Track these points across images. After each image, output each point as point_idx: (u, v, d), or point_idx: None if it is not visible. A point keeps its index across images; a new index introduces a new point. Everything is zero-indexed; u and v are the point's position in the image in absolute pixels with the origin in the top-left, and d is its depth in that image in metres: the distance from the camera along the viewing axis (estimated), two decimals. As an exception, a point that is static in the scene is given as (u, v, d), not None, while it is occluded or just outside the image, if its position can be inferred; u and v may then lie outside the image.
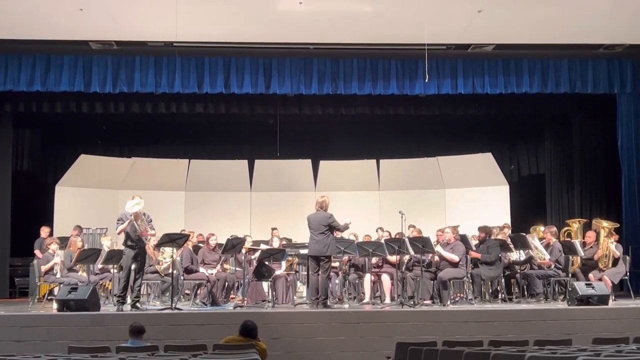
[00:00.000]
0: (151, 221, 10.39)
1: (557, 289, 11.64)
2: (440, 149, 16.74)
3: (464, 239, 11.38)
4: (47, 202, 15.00)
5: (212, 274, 11.27)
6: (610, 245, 11.41)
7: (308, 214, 10.56)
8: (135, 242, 10.09)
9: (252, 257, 11.56)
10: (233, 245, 11.03)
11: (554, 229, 11.94)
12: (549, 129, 16.18)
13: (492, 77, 13.36)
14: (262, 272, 10.98)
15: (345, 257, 11.82)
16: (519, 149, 17.41)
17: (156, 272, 11.68)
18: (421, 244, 10.65)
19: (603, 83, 13.42)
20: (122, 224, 10.04)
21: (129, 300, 10.29)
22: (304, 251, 11.03)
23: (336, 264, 12.05)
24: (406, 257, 11.31)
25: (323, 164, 16.18)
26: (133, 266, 10.15)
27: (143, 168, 15.94)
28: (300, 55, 13.17)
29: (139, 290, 10.45)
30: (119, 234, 10.13)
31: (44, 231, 13.22)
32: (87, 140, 16.49)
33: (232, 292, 11.65)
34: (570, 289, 10.33)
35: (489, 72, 13.38)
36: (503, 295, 11.39)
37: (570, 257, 11.49)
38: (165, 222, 13.69)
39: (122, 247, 10.45)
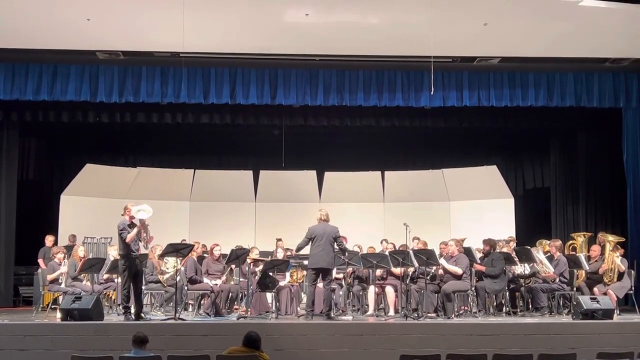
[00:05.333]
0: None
1: (561, 303, 11.60)
2: (445, 162, 16.75)
3: (468, 251, 11.35)
4: (52, 211, 15.04)
5: (216, 284, 11.27)
6: (616, 259, 11.37)
7: (311, 226, 10.54)
8: (134, 251, 10.05)
9: (257, 269, 11.55)
10: (237, 256, 11.04)
11: (559, 242, 11.91)
12: (555, 142, 16.18)
13: (498, 89, 13.36)
14: (266, 283, 10.97)
15: (350, 269, 11.80)
16: (524, 162, 17.42)
17: (159, 281, 11.69)
18: (425, 256, 10.63)
19: (609, 97, 13.39)
20: (126, 232, 9.98)
21: (132, 309, 10.27)
22: (309, 262, 11.01)
23: (340, 276, 12.05)
24: (410, 270, 11.29)
25: (328, 175, 16.19)
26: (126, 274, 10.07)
27: (148, 178, 15.97)
28: (306, 66, 13.20)
29: (142, 300, 10.43)
30: (129, 241, 10.00)
31: (49, 240, 13.24)
32: (93, 150, 16.56)
33: (235, 302, 11.64)
34: (574, 303, 10.30)
35: (494, 85, 13.37)
36: (507, 308, 11.36)
37: (575, 270, 11.46)
38: (169, 231, 13.72)
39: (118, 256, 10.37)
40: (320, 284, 10.57)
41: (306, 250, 10.80)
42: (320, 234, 10.35)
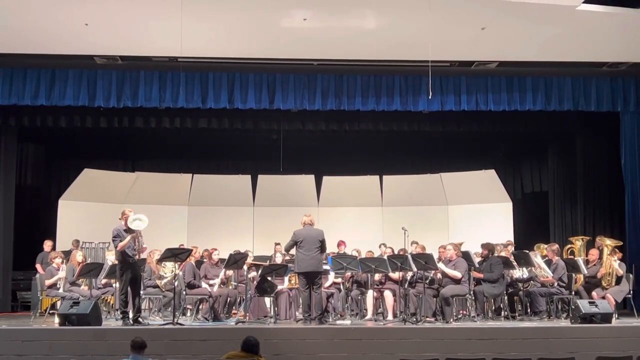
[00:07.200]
0: None
1: (560, 307, 11.59)
2: (444, 166, 16.78)
3: (466, 255, 11.34)
4: (50, 216, 15.03)
5: (213, 284, 11.27)
6: (614, 263, 11.38)
7: (297, 230, 10.50)
8: (132, 256, 10.04)
9: (251, 275, 11.54)
10: (235, 261, 11.03)
11: (556, 246, 11.89)
12: (553, 146, 16.20)
13: (496, 94, 13.37)
14: (264, 287, 10.96)
15: (348, 273, 11.80)
16: (523, 166, 17.43)
17: (157, 286, 11.68)
18: (424, 260, 10.63)
19: (606, 101, 13.40)
20: (119, 240, 9.97)
21: (131, 314, 10.25)
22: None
23: (338, 280, 12.04)
24: (409, 274, 11.29)
25: (326, 179, 16.19)
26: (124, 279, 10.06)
27: (146, 182, 15.97)
28: (304, 71, 13.21)
29: (140, 305, 10.41)
30: (119, 250, 10.03)
31: (47, 245, 13.22)
32: (91, 154, 16.55)
33: (234, 307, 11.63)
34: (573, 307, 10.29)
35: (492, 89, 13.38)
36: (506, 312, 11.35)
37: (574, 274, 11.45)
38: (167, 236, 13.75)
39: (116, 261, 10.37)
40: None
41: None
42: (306, 238, 10.33)
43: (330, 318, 11.11)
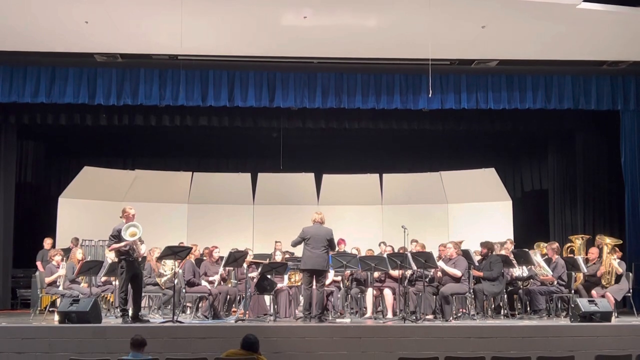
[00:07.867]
0: None
1: (559, 306, 11.60)
2: (443, 164, 16.78)
3: (466, 254, 11.35)
4: (50, 213, 15.03)
5: (213, 280, 11.26)
6: (613, 262, 11.37)
7: (305, 227, 10.47)
8: (130, 254, 10.04)
9: (253, 274, 11.54)
10: (235, 259, 11.03)
11: (556, 245, 11.90)
12: (553, 144, 16.20)
13: (496, 92, 13.37)
14: (264, 285, 10.96)
15: (348, 272, 11.80)
16: (523, 164, 17.43)
17: (157, 284, 11.68)
18: (424, 258, 10.62)
19: (606, 99, 13.40)
20: (114, 241, 9.98)
21: (130, 312, 10.24)
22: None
23: (338, 278, 12.04)
24: (409, 272, 11.29)
25: (326, 177, 16.19)
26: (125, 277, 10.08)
27: (146, 180, 15.97)
28: (304, 69, 13.20)
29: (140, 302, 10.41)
30: (110, 250, 10.04)
31: (47, 243, 13.24)
32: (91, 152, 16.56)
33: (234, 305, 11.63)
34: (572, 305, 10.29)
35: (492, 88, 13.38)
36: (505, 311, 11.36)
37: (573, 273, 11.46)
38: (167, 234, 13.75)
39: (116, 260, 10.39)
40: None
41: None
42: (314, 236, 10.31)
43: (330, 316, 11.11)
